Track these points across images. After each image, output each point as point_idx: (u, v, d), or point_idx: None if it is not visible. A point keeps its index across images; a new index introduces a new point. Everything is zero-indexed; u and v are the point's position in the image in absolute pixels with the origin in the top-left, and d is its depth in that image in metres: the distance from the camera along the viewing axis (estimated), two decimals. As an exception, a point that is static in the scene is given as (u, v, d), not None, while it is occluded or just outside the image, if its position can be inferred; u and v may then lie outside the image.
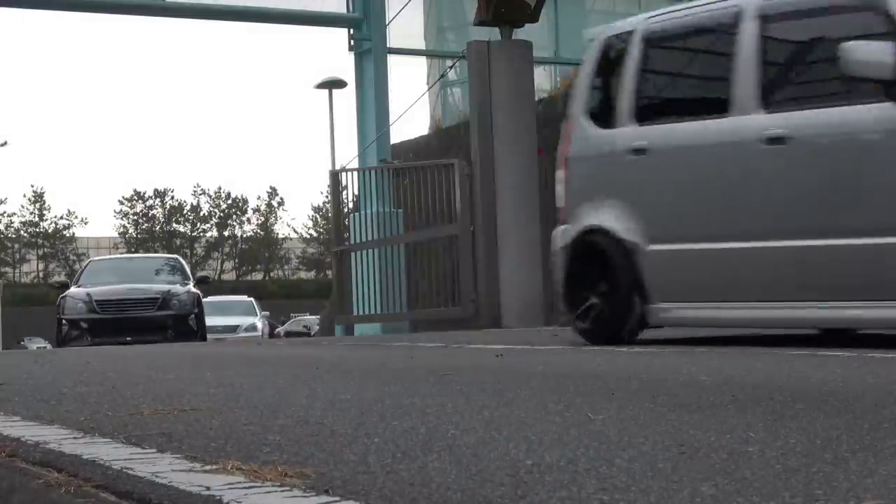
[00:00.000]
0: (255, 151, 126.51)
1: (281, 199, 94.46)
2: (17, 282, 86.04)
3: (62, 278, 29.75)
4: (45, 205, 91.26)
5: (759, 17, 6.71)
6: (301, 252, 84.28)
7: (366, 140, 20.41)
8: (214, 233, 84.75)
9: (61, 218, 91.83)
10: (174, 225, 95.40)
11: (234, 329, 29.78)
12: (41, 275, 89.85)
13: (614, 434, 3.13)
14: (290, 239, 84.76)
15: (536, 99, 19.27)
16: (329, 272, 37.50)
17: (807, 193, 6.31)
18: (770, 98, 6.62)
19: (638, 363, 5.63)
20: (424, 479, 2.54)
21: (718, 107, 6.86)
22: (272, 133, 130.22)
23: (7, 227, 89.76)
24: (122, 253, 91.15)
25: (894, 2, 6.11)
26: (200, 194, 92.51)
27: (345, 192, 18.32)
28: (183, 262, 21.71)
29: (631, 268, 7.08)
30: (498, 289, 14.62)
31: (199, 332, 18.62)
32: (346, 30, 21.46)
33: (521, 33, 15.16)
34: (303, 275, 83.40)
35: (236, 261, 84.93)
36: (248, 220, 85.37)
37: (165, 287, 18.97)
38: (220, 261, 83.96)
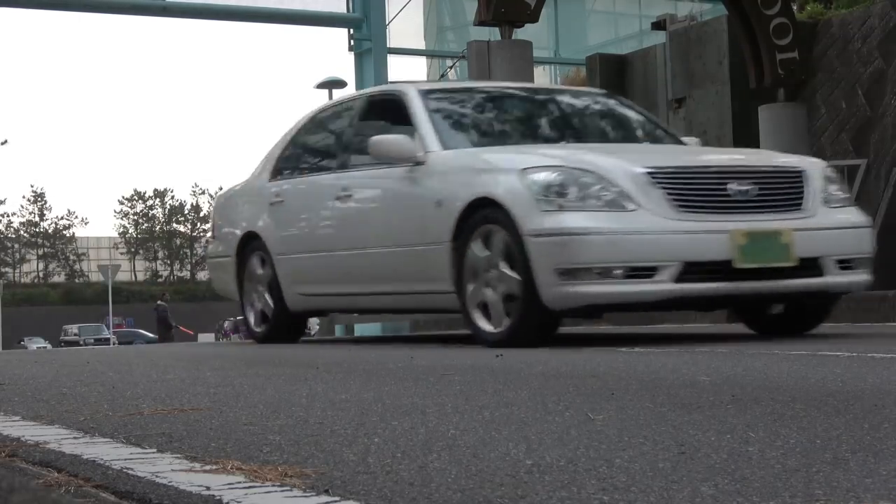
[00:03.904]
0: (255, 151, 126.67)
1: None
2: (17, 282, 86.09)
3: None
4: (46, 204, 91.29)
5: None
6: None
7: (366, 140, 20.33)
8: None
9: (61, 218, 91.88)
10: (174, 225, 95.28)
11: None
12: (41, 275, 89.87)
13: (614, 434, 3.13)
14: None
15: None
16: (329, 272, 37.36)
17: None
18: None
19: (638, 363, 5.63)
20: (424, 479, 2.55)
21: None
22: (272, 133, 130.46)
23: (7, 227, 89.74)
24: (121, 253, 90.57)
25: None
26: (200, 194, 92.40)
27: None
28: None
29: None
30: (498, 289, 14.57)
31: None
32: (345, 30, 21.47)
33: (521, 33, 15.15)
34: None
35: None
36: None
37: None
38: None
